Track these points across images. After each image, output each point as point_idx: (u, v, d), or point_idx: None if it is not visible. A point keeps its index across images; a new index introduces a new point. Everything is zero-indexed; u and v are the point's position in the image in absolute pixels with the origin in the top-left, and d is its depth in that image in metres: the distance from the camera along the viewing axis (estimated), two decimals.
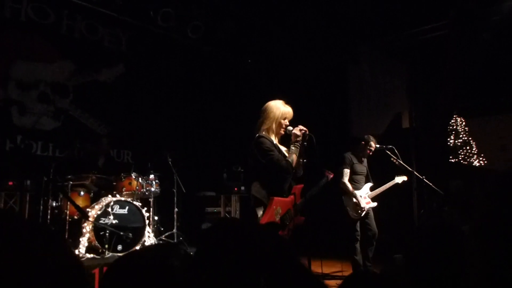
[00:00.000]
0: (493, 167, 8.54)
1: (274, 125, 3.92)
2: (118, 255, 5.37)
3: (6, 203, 6.13)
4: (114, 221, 5.70)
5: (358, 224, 5.98)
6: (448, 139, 8.99)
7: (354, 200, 5.95)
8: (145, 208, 6.17)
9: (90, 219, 5.55)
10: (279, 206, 3.71)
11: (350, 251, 5.98)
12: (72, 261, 0.96)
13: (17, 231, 0.90)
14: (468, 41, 7.65)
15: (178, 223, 6.95)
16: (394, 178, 6.05)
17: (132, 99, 8.24)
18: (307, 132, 3.89)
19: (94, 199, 6.14)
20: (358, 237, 5.95)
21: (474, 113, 8.93)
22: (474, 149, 8.87)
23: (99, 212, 5.64)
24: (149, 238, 6.16)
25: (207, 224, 7.84)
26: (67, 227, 5.64)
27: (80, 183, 6.13)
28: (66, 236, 5.61)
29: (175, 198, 7.10)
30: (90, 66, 7.83)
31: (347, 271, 5.82)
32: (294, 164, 3.86)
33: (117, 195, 6.07)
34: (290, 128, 3.94)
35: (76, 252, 5.48)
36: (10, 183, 6.03)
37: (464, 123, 9.03)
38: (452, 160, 8.85)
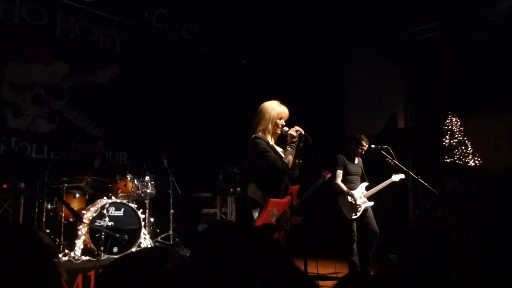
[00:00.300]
0: (488, 167, 8.57)
1: (270, 126, 3.92)
2: (114, 257, 5.36)
3: (1, 206, 6.09)
4: (109, 223, 5.68)
5: (354, 224, 5.97)
6: (444, 139, 9.01)
7: (350, 199, 5.95)
8: (141, 210, 6.15)
9: (85, 221, 5.53)
10: (275, 207, 3.70)
11: (346, 252, 5.97)
12: (46, 263, 0.96)
13: None
14: (463, 41, 7.68)
15: (174, 224, 6.94)
16: (391, 177, 6.06)
17: (128, 100, 8.22)
18: (303, 133, 3.89)
19: (90, 201, 6.12)
20: (355, 238, 5.94)
21: (469, 113, 8.95)
22: (469, 149, 8.89)
23: (94, 214, 5.62)
24: (145, 240, 6.14)
25: (203, 226, 7.83)
26: (62, 230, 5.61)
27: (76, 185, 6.11)
28: (62, 239, 5.59)
29: (171, 200, 7.09)
30: (85, 67, 7.81)
31: (342, 272, 5.82)
32: (290, 165, 3.85)
33: (113, 197, 6.05)
34: (286, 128, 3.93)
35: (72, 254, 5.46)
36: (5, 185, 5.99)
37: (459, 123, 9.05)
38: (447, 160, 8.87)
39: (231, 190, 8.12)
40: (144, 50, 8.47)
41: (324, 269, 6.27)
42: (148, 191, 6.53)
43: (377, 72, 9.09)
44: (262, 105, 4.01)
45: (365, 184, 6.11)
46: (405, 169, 6.06)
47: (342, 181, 6.06)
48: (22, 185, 5.96)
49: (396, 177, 6.04)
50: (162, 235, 6.79)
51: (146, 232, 6.23)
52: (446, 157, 8.92)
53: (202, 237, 1.21)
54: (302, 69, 9.48)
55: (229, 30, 8.74)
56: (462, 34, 7.62)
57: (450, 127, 9.07)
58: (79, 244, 5.57)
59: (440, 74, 8.35)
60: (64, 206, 5.47)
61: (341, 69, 9.65)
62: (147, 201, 6.56)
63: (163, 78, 8.72)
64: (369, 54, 9.07)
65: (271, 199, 3.66)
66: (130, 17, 7.83)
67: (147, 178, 6.58)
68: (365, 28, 8.37)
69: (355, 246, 5.92)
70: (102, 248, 5.49)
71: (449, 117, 9.07)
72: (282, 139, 4.03)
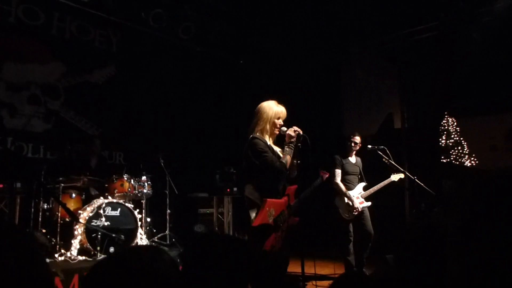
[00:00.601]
0: (484, 167, 8.59)
1: (267, 126, 3.92)
2: None
3: None
4: (106, 223, 5.68)
5: (350, 225, 5.99)
6: (440, 139, 9.03)
7: (347, 200, 5.96)
8: (137, 210, 6.15)
9: (82, 221, 5.52)
10: (272, 207, 3.70)
11: (343, 252, 5.99)
12: (38, 262, 0.95)
13: None
14: (459, 42, 7.70)
15: (170, 224, 6.93)
16: (390, 177, 6.07)
17: (124, 100, 8.21)
18: (301, 133, 3.89)
19: (86, 201, 6.11)
20: (351, 238, 5.96)
21: (466, 113, 8.97)
22: (465, 149, 8.91)
23: (91, 214, 5.62)
24: (142, 240, 6.14)
25: (200, 226, 7.83)
26: (58, 230, 5.61)
27: (72, 185, 6.10)
28: (58, 239, 5.58)
29: (168, 200, 7.09)
30: (81, 67, 7.79)
31: (340, 272, 5.83)
32: (288, 165, 3.85)
33: (109, 197, 6.05)
34: (284, 129, 3.93)
35: (68, 254, 5.46)
36: (1, 185, 5.98)
37: (455, 123, 9.06)
38: (444, 160, 8.89)
39: (228, 190, 8.11)
40: (140, 50, 8.46)
41: (322, 270, 6.27)
42: (145, 191, 6.52)
43: (373, 72, 9.11)
44: (259, 105, 4.01)
45: (363, 184, 6.11)
46: (402, 169, 6.07)
47: (340, 180, 6.08)
48: (18, 185, 5.94)
49: (395, 177, 6.03)
50: (159, 235, 6.79)
51: (142, 232, 6.23)
52: (442, 157, 8.94)
53: (192, 251, 1.19)
54: (299, 69, 9.48)
55: (225, 30, 8.74)
56: (458, 34, 7.64)
57: (446, 127, 9.09)
58: (76, 244, 5.56)
59: (436, 74, 8.37)
60: (60, 206, 5.45)
61: (338, 69, 9.66)
62: (143, 201, 6.55)
63: (160, 78, 8.71)
64: (366, 54, 9.09)
65: (268, 199, 3.66)
66: (127, 17, 7.82)
67: (143, 178, 6.58)
68: (362, 28, 8.38)
69: (351, 246, 5.94)
70: (98, 248, 5.48)
71: (445, 117, 9.09)
72: (280, 139, 4.04)
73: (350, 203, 5.93)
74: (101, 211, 5.71)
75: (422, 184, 5.76)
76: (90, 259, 5.45)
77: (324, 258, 6.81)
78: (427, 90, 8.55)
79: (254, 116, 4.00)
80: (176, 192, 7.19)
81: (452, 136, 9.01)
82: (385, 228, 6.40)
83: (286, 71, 9.47)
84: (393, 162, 5.96)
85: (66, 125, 7.50)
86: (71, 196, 6.04)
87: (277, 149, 3.99)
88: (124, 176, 6.35)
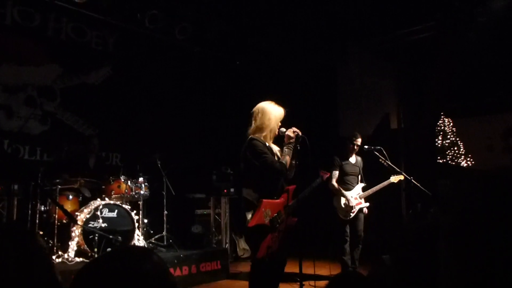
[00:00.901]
0: (480, 168, 8.61)
1: (270, 128, 3.92)
2: None
3: None
4: (103, 225, 5.68)
5: (348, 225, 6.01)
6: (436, 139, 9.05)
7: (344, 200, 5.97)
8: (135, 211, 6.15)
9: (79, 222, 5.52)
10: (268, 208, 3.70)
11: (339, 252, 6.01)
12: (44, 263, 0.95)
13: None
14: (456, 42, 7.72)
15: (167, 225, 6.92)
16: (389, 178, 6.07)
17: (120, 102, 8.20)
18: (300, 134, 3.90)
19: (83, 203, 6.11)
20: (347, 239, 5.98)
21: (462, 114, 9.00)
22: (461, 149, 8.93)
23: (88, 216, 5.61)
24: (139, 241, 6.14)
25: (197, 226, 7.82)
26: (55, 231, 5.60)
27: (69, 187, 6.10)
28: (55, 240, 5.57)
29: (165, 201, 7.07)
30: (78, 68, 7.78)
31: (336, 272, 5.84)
32: (287, 166, 3.86)
33: (106, 199, 6.05)
34: (283, 129, 3.94)
35: (65, 256, 5.46)
36: None
37: (451, 124, 9.09)
38: (440, 161, 8.91)
39: (225, 190, 8.10)
40: (137, 50, 8.45)
41: (320, 270, 6.29)
42: (142, 192, 6.52)
43: (370, 72, 9.13)
44: (261, 106, 3.99)
45: (362, 185, 6.12)
46: (398, 170, 6.08)
47: (339, 181, 6.09)
48: (16, 187, 5.94)
49: (394, 179, 6.02)
50: (156, 236, 6.78)
51: (139, 233, 6.23)
52: (438, 157, 8.97)
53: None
54: (296, 69, 9.50)
55: (222, 31, 8.75)
56: (454, 34, 7.66)
57: (442, 127, 9.11)
58: (73, 245, 5.56)
59: (432, 74, 8.40)
60: (57, 207, 5.45)
61: (334, 69, 9.68)
62: (140, 202, 6.55)
63: (156, 79, 8.70)
64: (362, 54, 9.11)
65: (264, 200, 3.67)
66: (123, 18, 7.81)
67: (140, 179, 6.57)
68: (358, 28, 8.40)
69: (347, 246, 5.97)
70: (95, 250, 5.48)
71: (441, 117, 9.11)
72: (278, 140, 4.04)
73: (348, 203, 5.94)
74: (98, 213, 5.70)
75: (418, 185, 5.78)
76: (88, 261, 5.43)
77: (323, 258, 6.82)
78: (423, 91, 8.58)
79: (253, 117, 3.99)
80: (173, 193, 7.18)
81: (449, 136, 9.03)
82: (382, 228, 6.42)
83: (283, 71, 9.49)
84: (389, 163, 5.98)
85: (62, 126, 7.48)
86: (68, 198, 6.04)
87: (275, 147, 4.00)
88: (121, 178, 6.35)
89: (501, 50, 7.40)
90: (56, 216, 5.66)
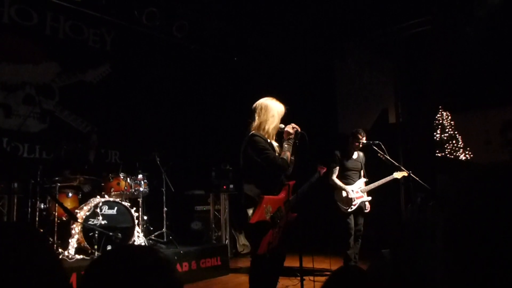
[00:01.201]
0: (478, 161, 8.64)
1: (272, 125, 3.92)
2: None
3: None
4: (103, 222, 5.69)
5: (351, 217, 5.99)
6: (435, 133, 9.07)
7: (344, 194, 5.98)
8: (134, 208, 6.16)
9: (79, 220, 5.53)
10: (269, 204, 3.71)
11: (343, 245, 6.01)
12: (54, 262, 0.96)
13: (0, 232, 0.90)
14: (453, 36, 7.73)
15: (167, 222, 6.93)
16: (392, 174, 6.03)
17: (119, 99, 8.20)
18: (299, 130, 3.91)
19: (83, 200, 6.12)
20: (352, 232, 5.96)
21: (460, 107, 9.01)
22: (460, 143, 8.95)
23: (87, 213, 5.62)
24: (139, 238, 6.15)
25: (197, 223, 7.85)
26: (55, 229, 5.61)
27: (68, 185, 6.10)
28: (55, 238, 5.58)
29: (164, 197, 7.08)
30: (76, 66, 7.78)
31: (336, 267, 5.86)
32: (288, 161, 3.87)
33: (106, 196, 6.05)
34: (282, 126, 3.95)
35: (66, 253, 5.47)
36: None
37: (450, 118, 9.10)
38: (438, 155, 8.93)
39: (224, 187, 8.12)
40: (135, 48, 8.45)
41: (319, 265, 6.32)
42: (141, 189, 6.53)
43: (367, 67, 9.14)
44: (264, 103, 3.98)
45: (364, 180, 6.13)
46: (397, 164, 6.08)
47: (340, 177, 6.10)
48: (15, 185, 5.95)
49: (398, 175, 5.98)
50: (156, 233, 6.79)
51: (139, 230, 6.24)
52: (437, 151, 8.98)
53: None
54: (294, 66, 9.50)
55: (219, 28, 8.74)
56: (451, 28, 7.67)
57: (440, 121, 9.13)
58: (73, 243, 5.57)
59: (430, 68, 8.40)
60: (57, 205, 5.46)
61: (332, 65, 9.68)
62: (140, 199, 6.55)
63: (154, 77, 8.70)
64: (360, 49, 9.11)
65: (265, 196, 3.68)
66: (120, 16, 7.81)
67: (140, 176, 6.58)
68: (355, 24, 8.40)
69: (351, 240, 5.96)
70: (95, 247, 5.49)
71: (439, 111, 9.13)
72: (277, 135, 4.05)
73: (347, 195, 5.95)
74: (98, 210, 5.71)
75: (417, 179, 5.79)
76: (88, 258, 5.46)
77: (322, 253, 6.85)
78: (421, 85, 8.59)
79: (256, 113, 3.99)
80: (173, 190, 7.19)
81: (447, 130, 9.05)
82: (381, 223, 6.43)
83: (280, 68, 9.49)
84: (388, 157, 5.98)
85: (61, 124, 7.49)
86: (67, 196, 6.05)
87: (274, 143, 4.01)
88: (120, 175, 6.36)
89: (499, 44, 7.41)
90: (56, 214, 5.67)
